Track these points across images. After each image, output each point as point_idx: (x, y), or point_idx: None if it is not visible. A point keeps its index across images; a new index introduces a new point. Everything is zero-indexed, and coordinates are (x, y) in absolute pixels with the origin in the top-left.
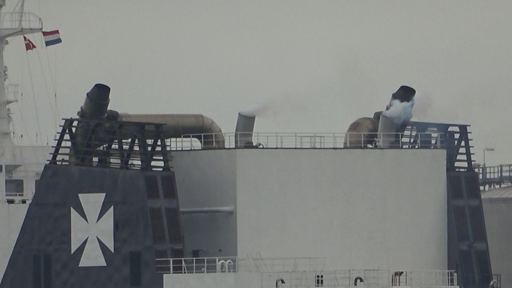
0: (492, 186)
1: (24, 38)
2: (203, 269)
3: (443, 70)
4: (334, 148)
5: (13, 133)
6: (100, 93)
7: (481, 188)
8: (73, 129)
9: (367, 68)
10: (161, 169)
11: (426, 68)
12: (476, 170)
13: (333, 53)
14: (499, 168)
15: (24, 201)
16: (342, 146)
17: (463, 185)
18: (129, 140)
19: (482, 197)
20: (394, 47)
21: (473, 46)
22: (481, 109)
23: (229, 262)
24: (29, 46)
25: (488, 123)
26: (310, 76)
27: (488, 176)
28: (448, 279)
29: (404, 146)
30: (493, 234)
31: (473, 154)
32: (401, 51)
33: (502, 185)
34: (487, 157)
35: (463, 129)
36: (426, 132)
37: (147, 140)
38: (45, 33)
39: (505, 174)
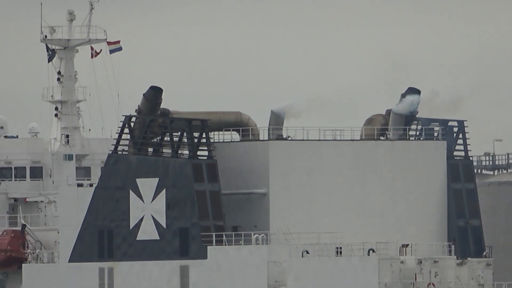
0: (500, 171)
1: (91, 48)
2: (240, 242)
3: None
4: (352, 140)
5: (82, 128)
6: (154, 93)
7: (491, 173)
8: (132, 124)
9: (402, 70)
10: (205, 158)
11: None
12: (487, 157)
13: (368, 58)
14: (506, 156)
15: (91, 185)
16: (359, 138)
17: (461, 171)
18: (179, 133)
19: (492, 180)
20: (427, 50)
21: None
22: (492, 106)
23: (263, 236)
24: (94, 54)
25: (498, 117)
26: (340, 79)
27: (497, 162)
28: (447, 250)
29: (410, 138)
30: (501, 212)
31: (469, 144)
32: (433, 55)
33: (509, 170)
34: (496, 147)
35: (461, 123)
36: (429, 127)
37: (194, 133)
38: (109, 43)
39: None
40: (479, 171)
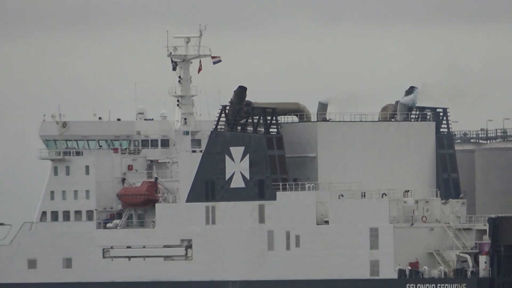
0: (490, 141)
1: (200, 61)
2: (298, 189)
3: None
4: (372, 121)
5: (195, 113)
6: (241, 91)
7: (485, 142)
8: (226, 111)
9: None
10: (275, 133)
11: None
12: (482, 131)
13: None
14: (495, 131)
15: (201, 151)
16: (377, 120)
17: (445, 142)
18: (257, 117)
19: (484, 147)
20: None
21: None
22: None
23: (313, 185)
24: (198, 70)
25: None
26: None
27: (489, 135)
28: (435, 194)
29: (412, 120)
30: (491, 168)
31: (451, 125)
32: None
33: (497, 140)
34: (489, 124)
35: (445, 110)
36: (424, 112)
37: (267, 117)
38: (212, 57)
39: None
40: (477, 141)
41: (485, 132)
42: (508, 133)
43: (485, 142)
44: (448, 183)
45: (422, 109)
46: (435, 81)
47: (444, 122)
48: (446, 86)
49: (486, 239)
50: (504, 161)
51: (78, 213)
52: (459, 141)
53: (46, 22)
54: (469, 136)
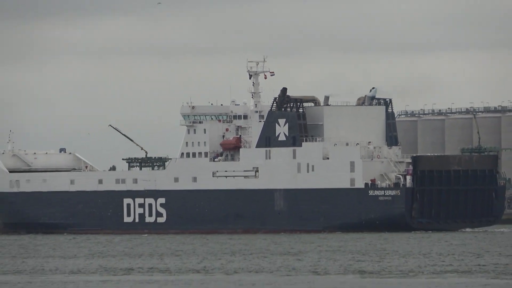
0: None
1: (264, 74)
2: (313, 141)
3: None
4: (352, 106)
5: (261, 101)
6: (284, 90)
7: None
8: (276, 100)
9: None
10: (301, 112)
11: None
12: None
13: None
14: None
15: (263, 121)
16: (355, 105)
17: (390, 117)
18: (292, 103)
19: (426, 118)
20: None
21: None
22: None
23: (321, 139)
24: (264, 77)
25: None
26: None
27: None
28: (385, 143)
29: (373, 105)
30: (427, 132)
31: (392, 111)
32: None
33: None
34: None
35: (390, 100)
36: (379, 100)
37: (297, 103)
38: (270, 72)
39: None
40: (421, 116)
41: (423, 110)
42: (435, 111)
43: (423, 116)
44: (392, 138)
45: (378, 99)
46: (386, 85)
47: (390, 106)
48: (394, 87)
49: (410, 167)
50: (434, 127)
51: (200, 153)
52: (404, 116)
53: None
54: (414, 112)
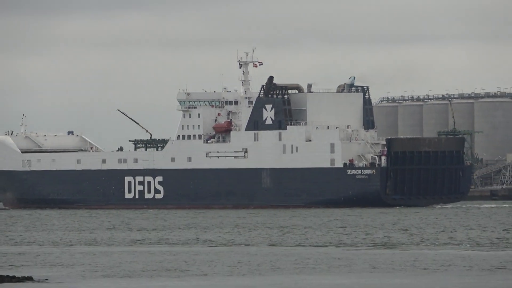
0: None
1: (253, 63)
2: (297, 124)
3: None
4: (333, 92)
5: (250, 88)
6: (270, 78)
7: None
8: (264, 87)
9: None
10: (286, 98)
11: None
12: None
13: None
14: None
15: (252, 107)
16: (335, 91)
17: (367, 103)
18: (278, 90)
19: (404, 104)
20: None
21: None
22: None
23: (304, 122)
24: (253, 66)
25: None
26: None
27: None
28: (363, 128)
29: (352, 92)
30: (404, 114)
31: (369, 97)
32: None
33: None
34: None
35: (367, 87)
36: (357, 87)
37: (283, 90)
38: (258, 62)
39: None
40: (402, 102)
41: (403, 96)
42: (414, 97)
43: (403, 102)
44: (368, 122)
45: (356, 86)
46: (365, 74)
47: (367, 93)
48: (375, 75)
49: (385, 148)
50: (412, 111)
51: (194, 136)
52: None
53: None
54: (395, 98)
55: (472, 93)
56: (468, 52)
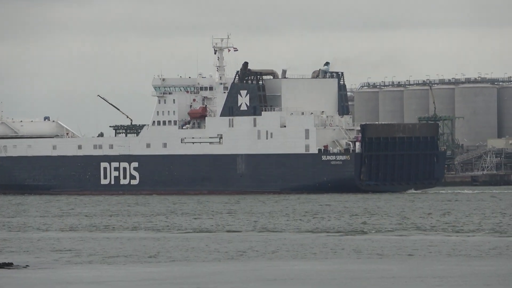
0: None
1: (228, 49)
2: (272, 110)
3: None
4: (308, 78)
5: (225, 74)
6: (245, 64)
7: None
8: (239, 73)
9: None
10: (261, 84)
11: None
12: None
13: None
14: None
15: (226, 92)
16: (310, 77)
17: (341, 89)
18: (253, 76)
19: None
20: None
21: None
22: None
23: (279, 108)
24: (227, 51)
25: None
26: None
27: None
28: (337, 114)
29: (327, 77)
30: (372, 100)
31: (344, 83)
32: None
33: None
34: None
35: (342, 73)
36: (332, 73)
37: (257, 76)
38: (234, 48)
39: None
40: (382, 88)
41: (384, 82)
42: (395, 83)
43: (384, 87)
44: (343, 108)
45: (331, 72)
46: (339, 60)
47: (342, 79)
48: (348, 62)
49: (360, 134)
50: (393, 97)
51: (169, 122)
52: (367, 87)
53: None
54: (376, 84)
55: (452, 78)
56: (449, 38)
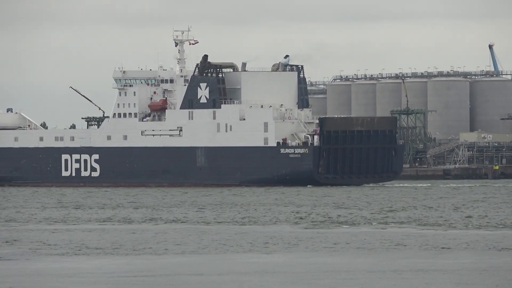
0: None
1: (189, 42)
2: (232, 103)
3: None
4: (267, 71)
5: (186, 66)
6: (205, 56)
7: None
8: (198, 66)
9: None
10: (220, 77)
11: None
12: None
13: None
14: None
15: (186, 85)
16: (270, 70)
17: (301, 81)
18: (212, 69)
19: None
20: None
21: None
22: None
23: (238, 101)
24: (189, 44)
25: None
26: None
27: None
28: (296, 107)
29: (286, 71)
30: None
31: (304, 76)
32: None
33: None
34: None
35: (302, 66)
36: (292, 66)
37: (217, 69)
38: (194, 40)
39: None
40: (355, 80)
41: (356, 75)
42: (368, 76)
43: (356, 80)
44: (303, 101)
45: (291, 65)
46: (298, 54)
47: (302, 72)
48: (303, 56)
49: (318, 127)
50: (366, 90)
51: (130, 114)
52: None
53: None
54: (348, 77)
55: (425, 72)
56: (422, 31)
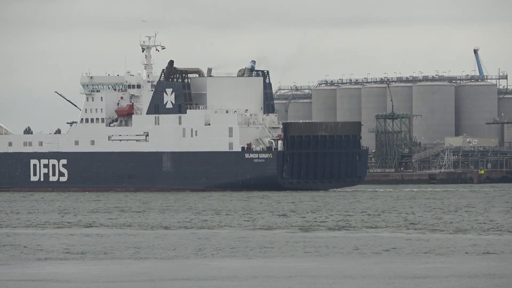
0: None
1: (156, 47)
2: (197, 108)
3: None
4: (233, 77)
5: (153, 72)
6: (171, 62)
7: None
8: (164, 71)
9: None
10: (186, 82)
11: None
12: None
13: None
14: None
15: (153, 90)
16: (236, 76)
17: (267, 87)
18: (178, 74)
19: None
20: None
21: None
22: None
23: (204, 106)
24: (156, 50)
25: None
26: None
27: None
28: (262, 112)
29: (252, 76)
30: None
31: (269, 81)
32: None
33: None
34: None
35: (268, 72)
36: (258, 72)
37: (183, 74)
38: (161, 46)
39: None
40: (340, 85)
41: (341, 79)
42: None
43: (341, 85)
44: (268, 106)
45: (257, 71)
46: (266, 59)
47: (267, 78)
48: (272, 62)
49: (282, 132)
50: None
51: (97, 119)
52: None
53: None
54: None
55: (410, 76)
56: (407, 36)
